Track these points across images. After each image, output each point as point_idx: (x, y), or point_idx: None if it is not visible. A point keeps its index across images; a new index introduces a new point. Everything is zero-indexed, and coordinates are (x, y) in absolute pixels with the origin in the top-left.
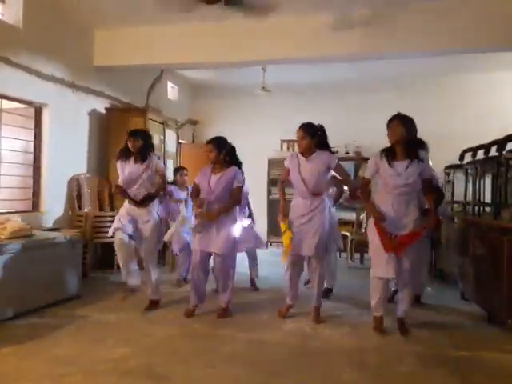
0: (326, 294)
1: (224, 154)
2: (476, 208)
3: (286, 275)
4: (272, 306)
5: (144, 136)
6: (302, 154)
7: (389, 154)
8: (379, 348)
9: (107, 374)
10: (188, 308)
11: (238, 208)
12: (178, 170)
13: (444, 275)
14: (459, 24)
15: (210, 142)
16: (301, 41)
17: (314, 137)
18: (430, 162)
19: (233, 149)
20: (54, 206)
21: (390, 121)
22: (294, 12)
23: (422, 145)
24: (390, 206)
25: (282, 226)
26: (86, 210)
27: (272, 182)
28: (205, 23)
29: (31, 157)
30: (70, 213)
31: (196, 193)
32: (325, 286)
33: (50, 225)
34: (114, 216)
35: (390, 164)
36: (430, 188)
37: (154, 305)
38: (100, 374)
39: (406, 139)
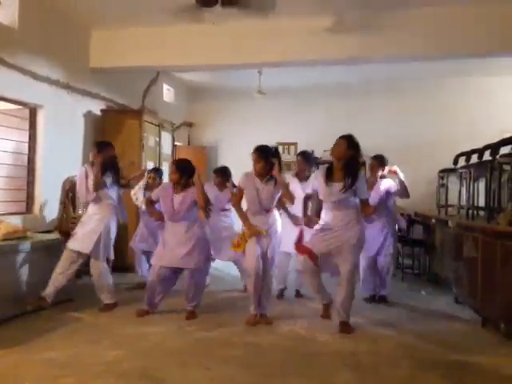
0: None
1: (186, 178)
2: (470, 212)
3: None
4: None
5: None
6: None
7: (328, 173)
8: (374, 351)
9: (102, 376)
10: (141, 308)
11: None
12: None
13: (438, 279)
14: (457, 29)
15: (174, 163)
16: (298, 43)
17: (267, 160)
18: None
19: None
20: (48, 207)
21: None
22: (291, 15)
23: (381, 161)
24: (329, 217)
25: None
26: (80, 212)
27: None
28: (201, 25)
29: (25, 158)
30: (64, 215)
31: (152, 204)
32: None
33: (44, 227)
34: None
35: (326, 184)
36: (366, 206)
37: (107, 308)
38: (94, 376)
39: (346, 158)
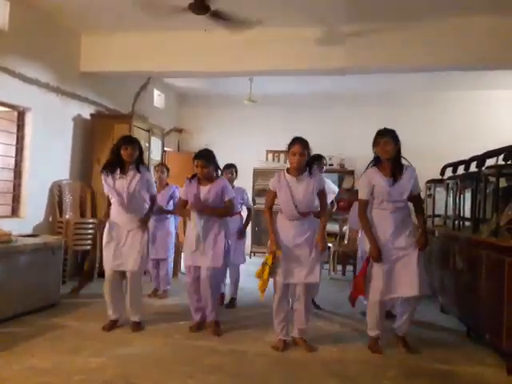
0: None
1: (213, 167)
2: (456, 222)
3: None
4: (254, 317)
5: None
6: None
7: None
8: (361, 360)
9: None
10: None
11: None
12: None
13: None
14: (448, 41)
15: (198, 157)
16: (288, 53)
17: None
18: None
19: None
20: (34, 211)
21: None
22: (282, 25)
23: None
24: None
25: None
26: (67, 216)
27: (257, 192)
28: (193, 32)
29: (12, 161)
30: (50, 219)
31: (183, 206)
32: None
33: (29, 231)
34: (95, 223)
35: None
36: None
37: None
38: None
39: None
